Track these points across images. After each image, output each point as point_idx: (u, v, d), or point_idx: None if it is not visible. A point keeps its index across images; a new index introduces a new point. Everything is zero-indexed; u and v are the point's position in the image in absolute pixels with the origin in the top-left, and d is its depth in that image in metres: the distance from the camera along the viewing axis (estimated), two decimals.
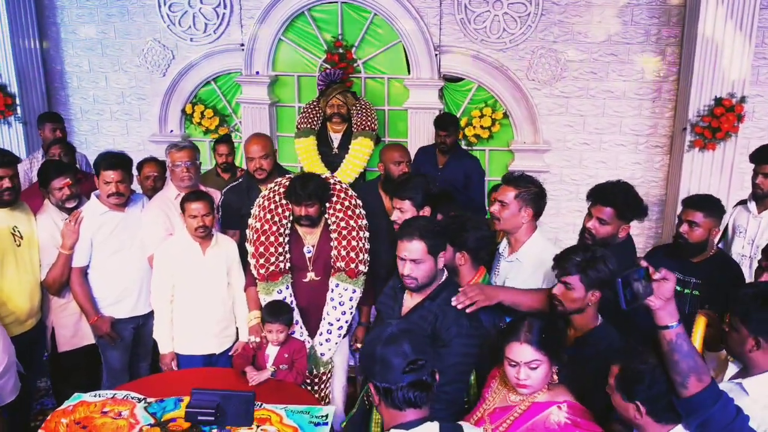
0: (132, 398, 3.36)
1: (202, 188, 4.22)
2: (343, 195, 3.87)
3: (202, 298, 3.87)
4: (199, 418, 1.95)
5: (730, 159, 5.50)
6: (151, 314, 4.05)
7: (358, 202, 3.90)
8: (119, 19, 6.48)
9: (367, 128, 5.75)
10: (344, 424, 3.41)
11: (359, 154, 5.66)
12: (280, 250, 3.78)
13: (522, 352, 2.40)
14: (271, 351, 3.71)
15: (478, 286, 2.99)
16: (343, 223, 3.82)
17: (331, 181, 3.92)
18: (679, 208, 3.61)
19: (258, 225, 3.77)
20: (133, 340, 4.20)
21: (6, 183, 3.76)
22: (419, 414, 2.02)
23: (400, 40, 6.05)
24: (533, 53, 5.90)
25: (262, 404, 3.27)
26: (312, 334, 3.88)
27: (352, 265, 3.76)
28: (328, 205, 3.82)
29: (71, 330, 4.15)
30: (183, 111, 6.59)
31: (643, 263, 2.09)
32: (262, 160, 4.22)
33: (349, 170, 5.60)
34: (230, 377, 3.63)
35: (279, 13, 6.14)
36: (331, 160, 5.76)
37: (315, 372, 3.85)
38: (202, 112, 6.51)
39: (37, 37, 6.52)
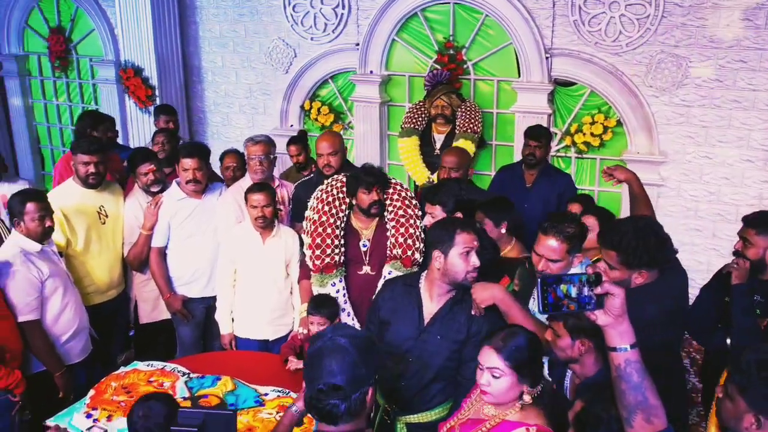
0: (178, 371, 3.60)
1: (277, 181, 4.40)
2: (399, 187, 3.93)
3: (259, 286, 4.05)
4: None
5: None
6: None
7: (414, 195, 3.95)
8: (249, 18, 6.87)
9: (469, 131, 5.69)
10: None
11: None
12: (336, 242, 3.86)
13: (488, 356, 2.28)
14: None
15: (482, 285, 2.88)
16: (401, 212, 3.85)
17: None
18: None
19: (315, 217, 3.87)
20: (206, 319, 4.46)
21: (91, 168, 4.15)
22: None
23: (511, 42, 5.91)
24: (652, 58, 5.51)
25: (289, 392, 3.38)
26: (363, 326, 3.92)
27: (409, 253, 3.78)
28: (386, 197, 3.87)
29: (151, 304, 4.51)
30: (302, 107, 6.86)
31: (590, 270, 1.81)
32: (330, 156, 4.33)
33: None
34: (274, 363, 3.77)
35: (393, 14, 6.21)
36: (433, 161, 5.76)
37: None
38: (318, 109, 6.74)
39: (178, 34, 7.07)
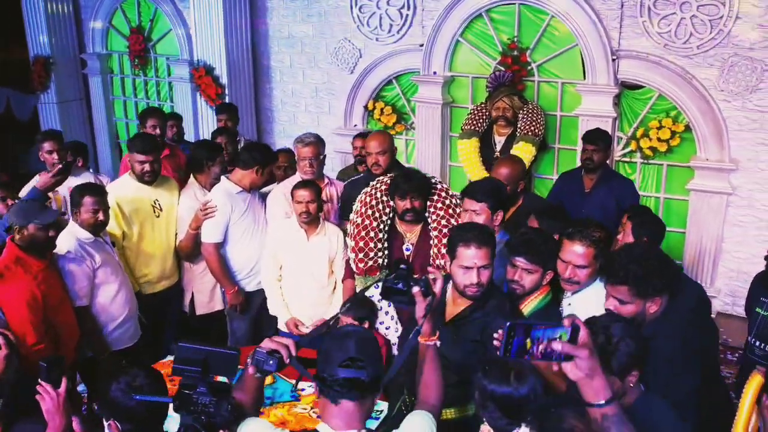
0: None
1: (327, 179, 4.47)
2: (444, 194, 3.86)
3: (302, 282, 4.11)
4: (186, 373, 2.12)
5: None
6: None
7: (459, 203, 3.85)
8: (317, 19, 6.98)
9: (530, 133, 5.58)
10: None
11: None
12: (379, 245, 3.86)
13: None
14: None
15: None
16: (443, 221, 3.80)
17: (434, 180, 3.91)
18: None
19: (359, 220, 3.89)
20: (260, 311, 4.54)
21: (146, 167, 4.30)
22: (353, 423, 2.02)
23: (577, 44, 5.78)
24: (725, 61, 5.28)
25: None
26: None
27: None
28: (429, 203, 3.83)
29: (207, 296, 4.63)
30: (365, 107, 6.91)
31: (566, 322, 1.70)
32: (379, 156, 4.33)
33: None
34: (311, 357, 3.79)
35: (458, 14, 6.18)
36: (492, 163, 5.68)
37: None
38: (381, 109, 6.78)
39: (249, 34, 7.25)
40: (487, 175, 5.68)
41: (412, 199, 3.73)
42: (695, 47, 5.36)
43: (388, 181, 3.90)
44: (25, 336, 3.24)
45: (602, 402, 1.74)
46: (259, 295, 4.47)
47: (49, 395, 2.34)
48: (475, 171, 5.80)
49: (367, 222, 3.86)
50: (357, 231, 3.89)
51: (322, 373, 2.01)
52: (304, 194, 4.00)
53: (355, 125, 7.02)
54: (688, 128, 5.54)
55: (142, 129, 5.31)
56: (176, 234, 4.51)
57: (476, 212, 3.52)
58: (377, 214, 3.87)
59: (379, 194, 3.90)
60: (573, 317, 1.74)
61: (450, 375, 2.94)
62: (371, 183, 4.00)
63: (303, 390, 3.43)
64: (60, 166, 3.98)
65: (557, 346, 1.67)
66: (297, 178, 4.43)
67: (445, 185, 3.96)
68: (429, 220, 3.85)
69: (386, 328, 3.88)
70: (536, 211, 3.77)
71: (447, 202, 3.84)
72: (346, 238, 3.99)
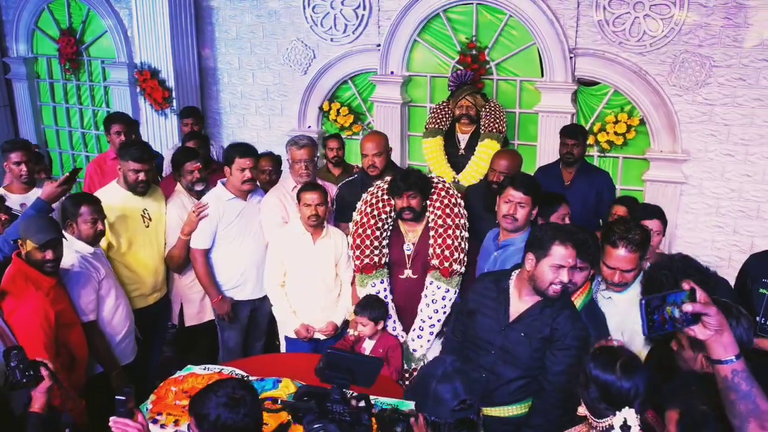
0: (236, 374, 3.58)
1: (319, 182, 4.41)
2: (443, 193, 3.91)
3: (310, 286, 4.07)
4: (336, 380, 2.17)
5: None
6: (265, 297, 4.29)
7: (460, 201, 3.92)
8: (267, 19, 6.87)
9: (494, 130, 5.70)
10: None
11: (484, 156, 5.61)
12: (376, 243, 3.88)
13: None
14: (368, 345, 3.83)
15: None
16: (440, 221, 3.85)
17: (434, 179, 3.96)
18: None
19: (358, 218, 3.91)
20: (249, 321, 4.45)
21: (141, 176, 4.14)
22: None
23: (535, 42, 5.96)
24: (676, 57, 5.59)
25: (352, 392, 3.38)
26: (406, 331, 3.95)
27: (446, 264, 3.78)
28: (428, 202, 3.87)
29: (197, 306, 4.50)
30: (320, 108, 6.86)
31: (686, 285, 1.78)
32: (375, 157, 4.34)
33: (473, 172, 5.57)
34: None
35: (415, 15, 6.24)
36: (457, 161, 5.78)
37: (406, 368, 3.91)
38: (338, 110, 6.75)
39: (194, 36, 7.05)
40: (453, 172, 5.81)
41: (409, 198, 3.77)
42: (648, 45, 5.65)
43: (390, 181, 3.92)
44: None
45: (732, 357, 1.80)
46: (252, 304, 4.39)
47: (134, 428, 2.21)
48: (441, 169, 5.87)
49: (365, 220, 3.89)
50: (355, 229, 3.91)
51: (433, 417, 2.06)
52: (313, 197, 3.95)
53: (309, 127, 6.97)
54: (642, 122, 5.83)
55: (107, 136, 5.07)
56: (165, 245, 4.34)
57: (521, 204, 3.56)
58: (376, 212, 3.89)
59: (381, 193, 3.93)
60: (689, 281, 1.81)
61: (516, 373, 3.01)
62: (376, 183, 4.00)
63: None
64: (67, 174, 3.77)
65: (688, 307, 1.75)
66: (289, 182, 4.36)
67: (446, 184, 4.00)
68: (429, 219, 3.90)
69: (384, 327, 3.89)
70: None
71: (446, 201, 3.89)
72: (348, 236, 3.99)
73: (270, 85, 7.08)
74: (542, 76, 6.02)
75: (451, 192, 3.94)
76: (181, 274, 4.43)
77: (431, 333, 3.87)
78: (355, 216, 3.95)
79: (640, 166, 5.93)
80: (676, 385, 2.16)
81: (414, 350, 3.87)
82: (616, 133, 5.84)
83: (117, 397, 2.24)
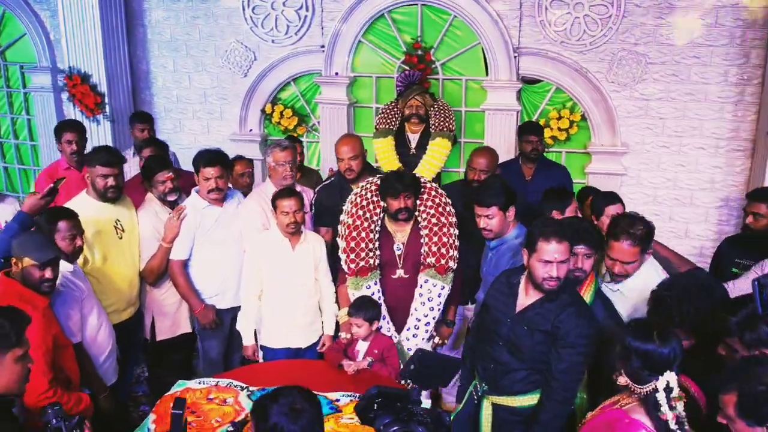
0: (235, 386, 3.51)
1: (298, 186, 4.36)
2: (434, 192, 3.97)
3: (291, 293, 4.02)
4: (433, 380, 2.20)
5: None
6: None
7: (448, 200, 3.99)
8: (204, 21, 6.69)
9: (444, 129, 5.80)
10: (452, 418, 3.46)
11: (437, 155, 5.72)
12: (371, 246, 3.89)
13: None
14: (361, 346, 3.82)
15: None
16: (434, 219, 3.90)
17: (423, 180, 4.01)
18: None
19: (350, 221, 3.89)
20: (231, 330, 4.35)
21: (111, 182, 3.96)
22: None
23: (479, 42, 6.11)
24: (614, 55, 5.88)
25: (358, 395, 3.38)
26: (399, 330, 3.98)
27: (443, 261, 3.85)
28: (419, 201, 3.92)
29: (170, 319, 4.34)
30: (263, 111, 6.76)
31: None
32: (352, 161, 4.33)
33: (426, 170, 5.65)
34: (325, 369, 3.75)
35: (360, 15, 6.25)
36: (409, 161, 5.84)
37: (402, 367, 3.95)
38: (281, 112, 6.67)
39: (125, 38, 6.77)
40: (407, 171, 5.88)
41: (405, 198, 3.80)
42: (588, 44, 5.90)
43: (378, 182, 3.93)
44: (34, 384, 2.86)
45: None
46: (232, 312, 4.29)
47: None
48: (393, 168, 5.92)
49: (358, 222, 3.88)
50: (348, 231, 3.89)
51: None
52: (290, 204, 3.89)
53: (251, 130, 6.85)
54: (583, 117, 6.09)
55: (57, 145, 4.81)
56: (140, 257, 4.17)
57: (489, 216, 3.67)
58: (368, 215, 3.89)
59: (370, 194, 3.93)
60: None
61: (520, 364, 3.10)
62: (361, 184, 4.00)
63: (338, 400, 3.37)
64: (50, 186, 3.55)
65: None
66: (268, 187, 4.29)
67: (433, 184, 4.06)
68: (419, 218, 3.94)
69: (379, 327, 3.91)
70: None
71: (437, 200, 3.94)
72: (337, 238, 3.96)
73: (208, 88, 6.91)
74: (487, 75, 6.17)
75: (440, 191, 4.01)
76: (153, 287, 4.26)
77: (426, 331, 3.92)
78: (345, 218, 3.93)
79: (582, 160, 6.19)
80: (734, 369, 2.31)
81: (409, 349, 3.90)
82: (559, 129, 6.07)
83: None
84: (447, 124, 5.83)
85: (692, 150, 5.97)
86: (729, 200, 6.01)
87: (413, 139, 5.97)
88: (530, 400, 3.15)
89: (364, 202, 3.92)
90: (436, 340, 4.14)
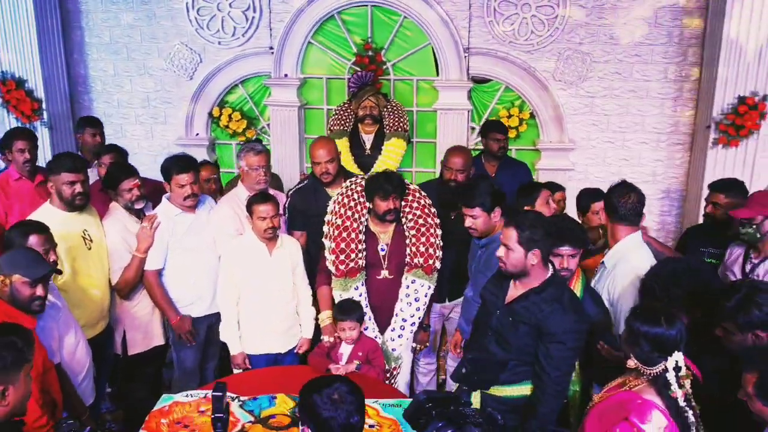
0: (228, 397, 3.43)
1: (271, 191, 4.31)
2: (418, 194, 4.01)
3: (269, 299, 3.98)
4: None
5: (752, 155, 5.71)
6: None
7: (430, 201, 4.03)
8: (146, 23, 6.49)
9: (399, 129, 5.86)
10: None
11: (392, 155, 5.77)
12: (360, 246, 3.89)
13: None
14: (345, 349, 3.82)
15: None
16: (420, 221, 3.95)
17: (406, 182, 4.05)
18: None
19: (338, 221, 3.87)
20: (206, 339, 4.25)
21: (78, 188, 3.80)
22: None
23: (429, 43, 6.17)
24: (560, 55, 6.06)
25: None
26: (382, 331, 3.99)
27: (430, 261, 3.89)
28: (404, 203, 3.94)
29: (142, 332, 4.21)
30: (210, 114, 6.62)
31: None
32: (328, 164, 4.31)
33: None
34: (311, 374, 3.71)
35: (309, 17, 6.21)
36: (364, 161, 5.85)
37: (386, 367, 3.96)
38: (229, 115, 6.55)
39: (62, 42, 6.50)
40: (361, 173, 5.89)
41: (394, 200, 3.82)
42: (535, 43, 6.06)
43: (363, 183, 3.93)
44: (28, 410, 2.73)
45: None
46: (207, 320, 4.20)
47: None
48: (349, 169, 5.92)
49: (348, 223, 3.88)
50: (338, 232, 3.87)
51: None
52: (267, 209, 3.84)
53: (197, 134, 6.70)
54: (532, 115, 6.25)
55: (7, 153, 4.58)
56: (109, 268, 4.02)
57: (474, 216, 3.73)
58: (356, 215, 3.90)
59: (356, 195, 3.93)
60: None
61: (506, 355, 3.16)
62: (345, 184, 3.99)
63: None
64: None
65: None
66: (241, 191, 4.21)
67: (415, 185, 4.10)
68: (404, 219, 3.96)
69: (365, 329, 3.91)
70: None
71: (422, 201, 3.99)
72: (324, 239, 3.93)
73: (151, 91, 6.71)
74: (437, 75, 6.25)
75: (423, 193, 4.06)
76: (124, 299, 4.12)
77: (411, 331, 3.95)
78: (333, 219, 3.90)
79: (532, 157, 6.35)
80: (760, 350, 2.45)
81: (393, 349, 3.92)
82: (510, 127, 6.20)
83: None
84: (401, 124, 5.89)
85: (635, 145, 6.23)
86: (670, 192, 6.30)
87: (368, 140, 5.99)
88: (517, 390, 3.22)
89: (352, 203, 3.92)
90: (415, 345, 4.18)
